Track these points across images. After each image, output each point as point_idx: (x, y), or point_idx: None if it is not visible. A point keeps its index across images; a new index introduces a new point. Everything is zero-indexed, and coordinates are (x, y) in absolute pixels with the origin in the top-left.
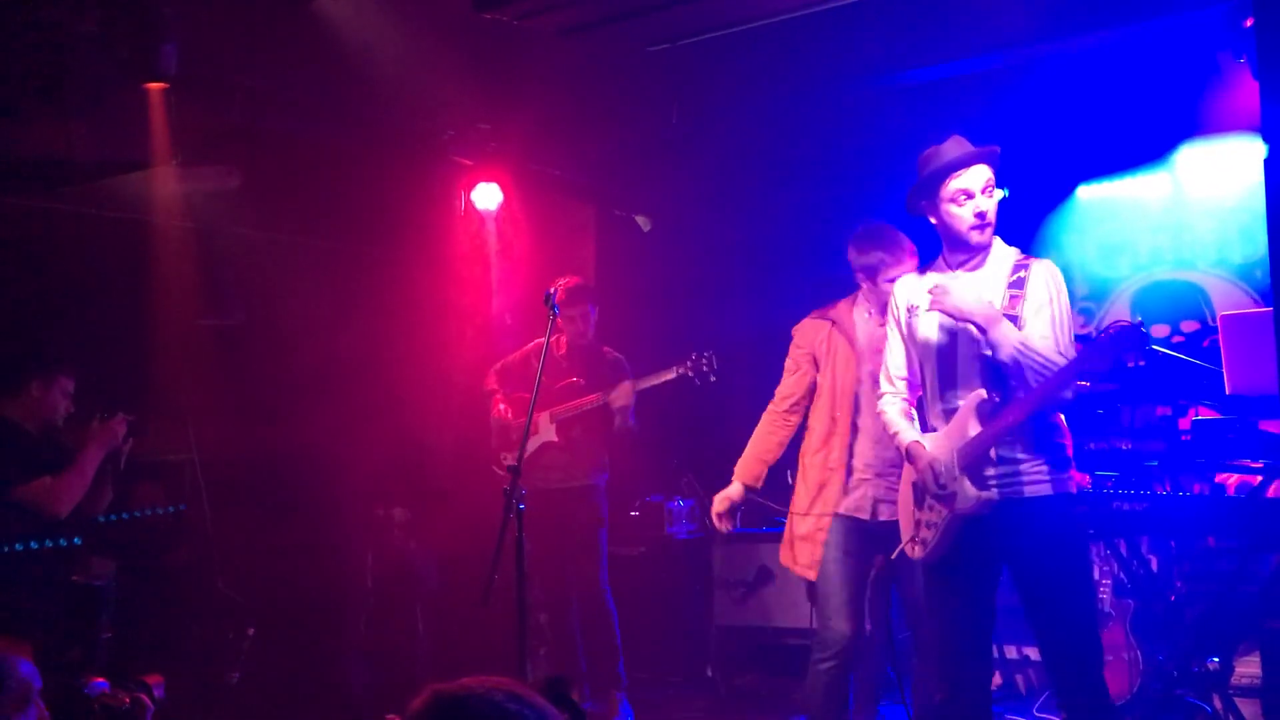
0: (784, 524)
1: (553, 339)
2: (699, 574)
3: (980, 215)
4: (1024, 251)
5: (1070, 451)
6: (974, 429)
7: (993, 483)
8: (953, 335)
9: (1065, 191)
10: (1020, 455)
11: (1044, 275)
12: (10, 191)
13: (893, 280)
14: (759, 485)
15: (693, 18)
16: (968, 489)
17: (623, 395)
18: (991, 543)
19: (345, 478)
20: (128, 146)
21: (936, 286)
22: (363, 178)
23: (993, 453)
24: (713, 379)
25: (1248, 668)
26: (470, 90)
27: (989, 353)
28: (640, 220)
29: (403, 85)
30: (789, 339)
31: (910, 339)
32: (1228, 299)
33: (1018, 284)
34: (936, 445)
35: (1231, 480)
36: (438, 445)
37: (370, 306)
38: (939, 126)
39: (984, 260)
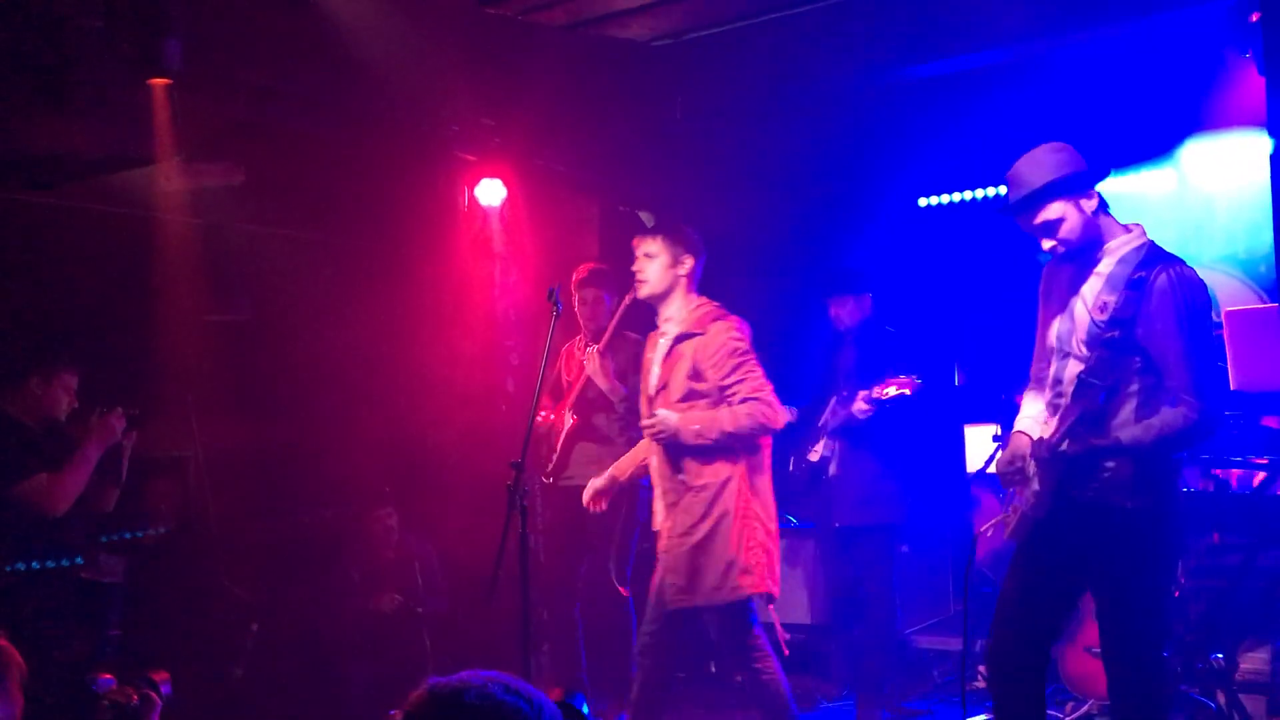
0: (788, 523)
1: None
2: None
3: (1047, 251)
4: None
5: (1174, 469)
6: (1050, 429)
7: (1079, 486)
8: (1063, 337)
9: None
10: (1110, 463)
11: (1166, 286)
12: (14, 187)
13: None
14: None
15: (696, 12)
16: (1031, 487)
17: (590, 359)
18: (1067, 544)
19: (349, 473)
20: (132, 142)
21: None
22: (367, 174)
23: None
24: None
25: (1252, 664)
26: (474, 86)
27: (1083, 362)
28: (644, 216)
29: (406, 81)
30: (790, 335)
31: (1042, 327)
32: (1233, 295)
33: (1135, 285)
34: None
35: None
36: (442, 440)
37: (375, 302)
38: (944, 121)
39: (1098, 256)
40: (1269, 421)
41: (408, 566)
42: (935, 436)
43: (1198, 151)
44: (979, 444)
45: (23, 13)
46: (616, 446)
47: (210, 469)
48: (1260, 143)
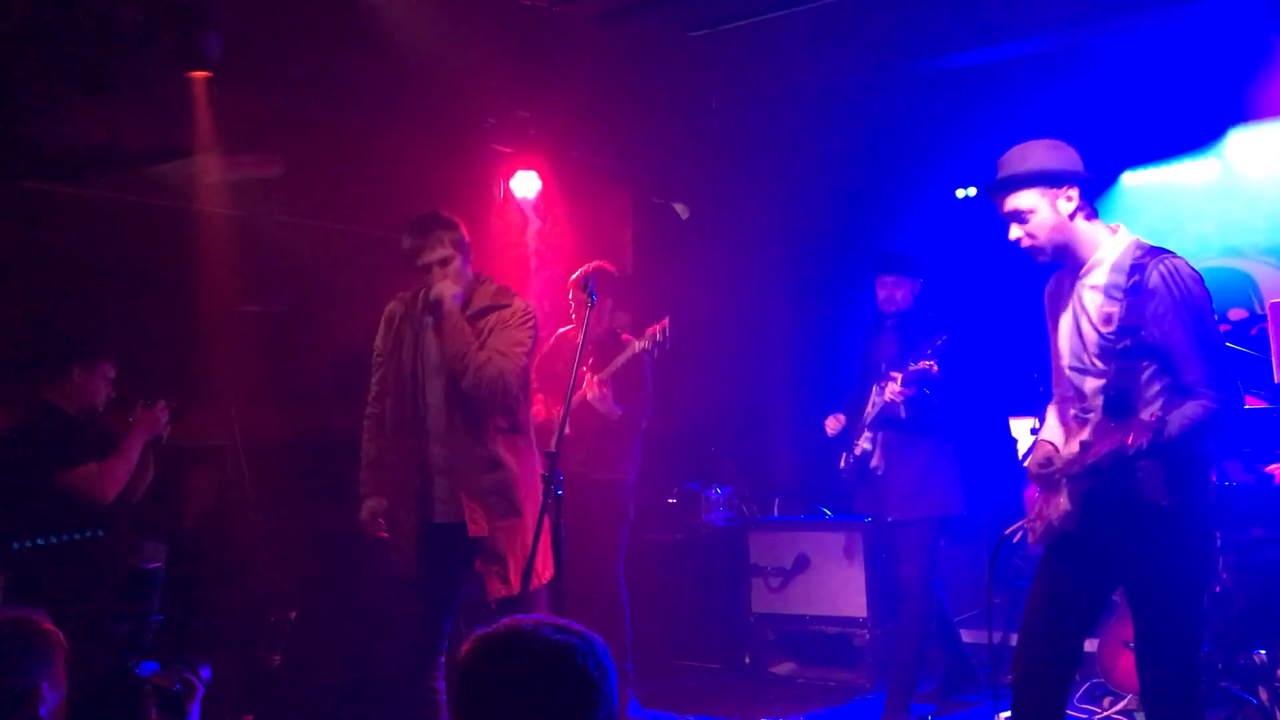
0: (821, 513)
1: (567, 331)
2: (736, 561)
3: (1017, 242)
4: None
5: (1204, 463)
6: (1083, 446)
7: (1110, 487)
8: (1074, 353)
9: (1110, 177)
10: (1141, 464)
11: (1161, 284)
12: (56, 179)
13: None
14: None
15: (733, 2)
16: (1062, 500)
17: (590, 389)
18: (1099, 545)
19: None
20: (172, 134)
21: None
22: (403, 165)
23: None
24: (667, 347)
25: None
26: (510, 77)
27: (1103, 376)
28: (678, 207)
29: (443, 73)
30: (827, 325)
31: (1054, 345)
32: (1276, 287)
33: (1133, 290)
34: (1069, 444)
35: None
36: None
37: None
38: (982, 111)
39: (1087, 262)
40: None
41: None
42: (980, 427)
43: (1242, 141)
44: (1022, 436)
45: (66, 7)
46: (598, 448)
47: (249, 458)
48: None
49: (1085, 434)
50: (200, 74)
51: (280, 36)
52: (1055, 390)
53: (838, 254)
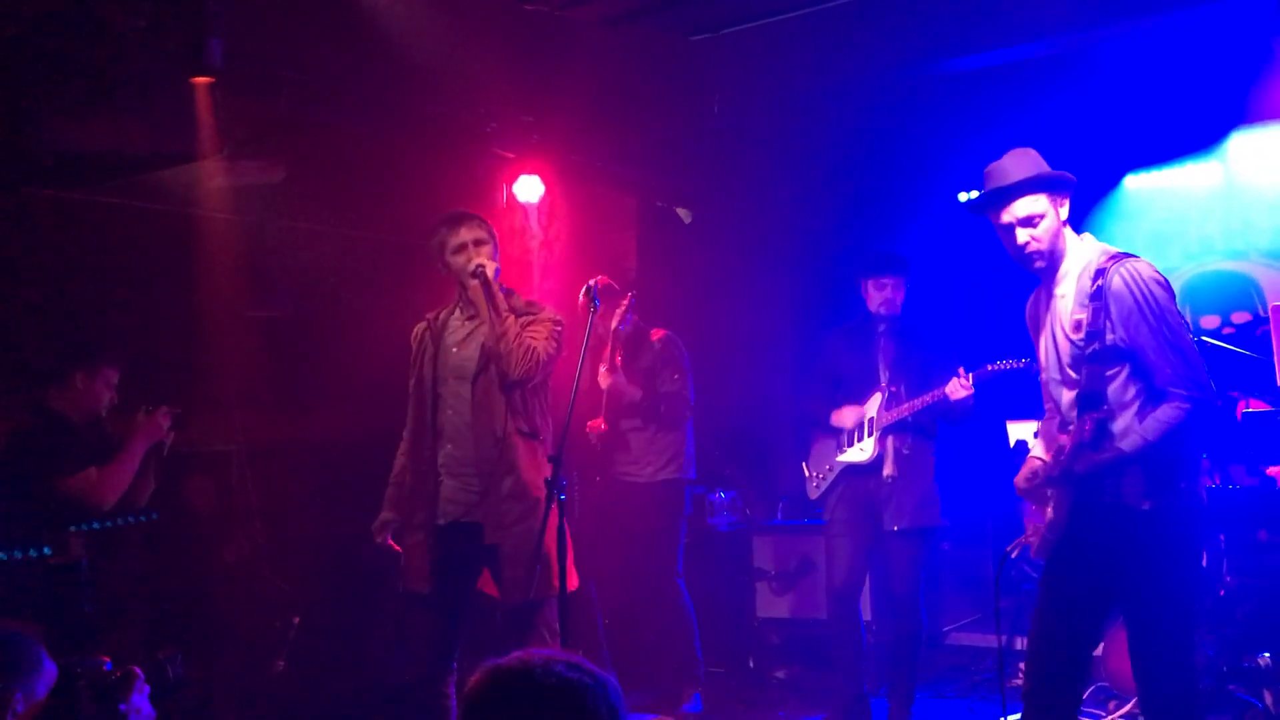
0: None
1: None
2: (740, 565)
3: (1019, 249)
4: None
5: (1189, 466)
6: (1058, 451)
7: (1095, 494)
8: (1050, 365)
9: (1113, 181)
10: (1122, 470)
11: (1122, 286)
12: (60, 184)
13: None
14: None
15: (735, 7)
16: (1049, 509)
17: (603, 379)
18: (1091, 551)
19: (390, 468)
20: (175, 140)
21: None
22: (406, 170)
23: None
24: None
25: None
26: (512, 82)
27: (1076, 385)
28: (681, 212)
29: (446, 77)
30: (829, 331)
31: (1039, 359)
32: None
33: (1098, 294)
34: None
35: None
36: None
37: (414, 298)
38: (986, 115)
39: (1059, 273)
40: None
41: None
42: (978, 431)
43: (1244, 144)
44: (1025, 439)
45: (69, 13)
46: (643, 450)
47: (252, 463)
48: None
49: (1068, 441)
50: (203, 79)
51: (283, 42)
52: (1046, 406)
53: (841, 258)
